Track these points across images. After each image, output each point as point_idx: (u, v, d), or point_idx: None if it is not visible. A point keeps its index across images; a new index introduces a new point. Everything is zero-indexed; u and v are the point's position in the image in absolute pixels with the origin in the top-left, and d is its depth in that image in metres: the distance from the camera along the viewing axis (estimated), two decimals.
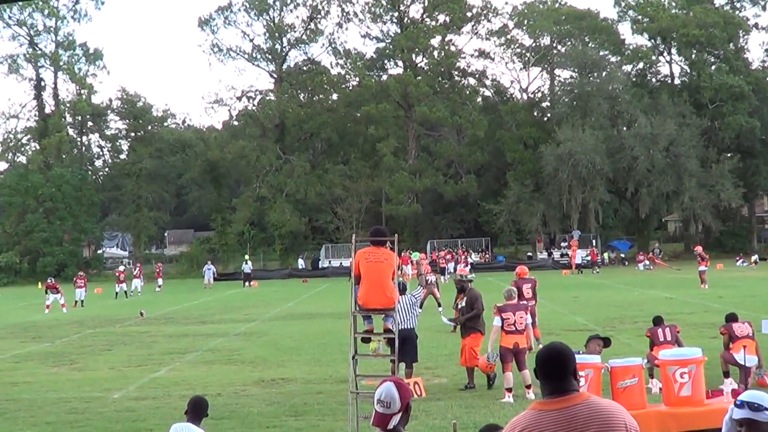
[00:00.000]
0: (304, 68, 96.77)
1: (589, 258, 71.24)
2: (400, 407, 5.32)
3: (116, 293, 56.05)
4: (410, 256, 66.88)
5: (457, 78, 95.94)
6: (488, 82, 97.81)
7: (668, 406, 13.51)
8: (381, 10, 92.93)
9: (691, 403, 13.34)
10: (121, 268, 61.92)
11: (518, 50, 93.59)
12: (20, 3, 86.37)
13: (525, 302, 17.73)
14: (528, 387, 16.12)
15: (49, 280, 48.73)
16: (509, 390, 16.13)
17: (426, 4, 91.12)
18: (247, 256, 72.38)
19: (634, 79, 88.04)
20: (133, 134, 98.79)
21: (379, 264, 12.89)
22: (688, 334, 22.86)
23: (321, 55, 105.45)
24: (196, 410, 9.71)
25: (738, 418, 5.48)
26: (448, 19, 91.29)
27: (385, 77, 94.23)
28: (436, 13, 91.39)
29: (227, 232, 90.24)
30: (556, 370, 4.85)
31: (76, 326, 35.35)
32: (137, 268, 63.92)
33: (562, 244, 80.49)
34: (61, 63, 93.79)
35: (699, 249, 50.05)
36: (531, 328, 17.24)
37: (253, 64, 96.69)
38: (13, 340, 30.95)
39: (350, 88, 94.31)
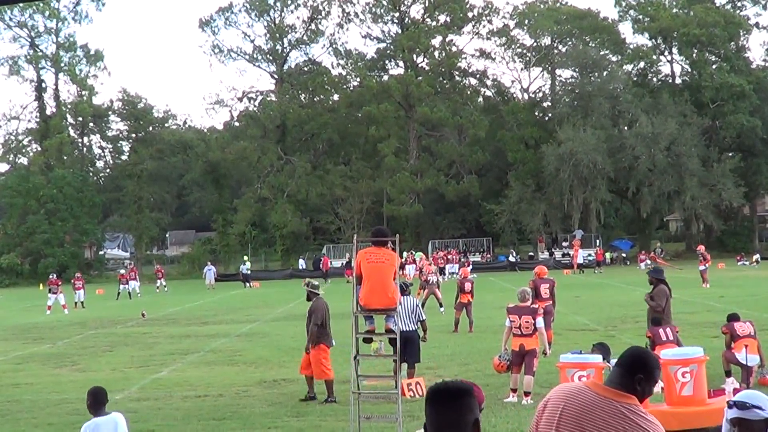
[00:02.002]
0: (305, 69, 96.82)
1: (592, 258, 71.20)
2: None
3: (118, 293, 56.03)
4: (413, 255, 67.09)
5: (458, 78, 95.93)
6: (489, 82, 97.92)
7: (670, 406, 13.52)
8: (382, 11, 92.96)
9: (692, 402, 13.36)
10: (122, 271, 61.91)
11: (519, 50, 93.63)
12: (21, 4, 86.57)
13: (535, 306, 17.45)
14: (526, 394, 15.90)
15: (51, 277, 48.81)
16: (514, 390, 16.09)
17: (427, 4, 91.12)
18: (246, 257, 72.40)
19: (635, 79, 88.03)
20: (134, 135, 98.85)
21: (380, 264, 12.88)
22: (689, 333, 22.91)
23: (322, 56, 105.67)
24: (97, 399, 9.75)
25: (730, 418, 5.55)
26: (448, 19, 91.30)
27: (386, 77, 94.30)
28: (437, 14, 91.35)
29: (228, 232, 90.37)
30: (626, 364, 4.99)
31: (77, 327, 35.38)
32: (129, 269, 63.67)
33: (564, 244, 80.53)
34: (62, 64, 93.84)
35: (702, 248, 50.04)
36: (544, 332, 16.94)
37: (254, 64, 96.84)
38: (15, 341, 30.98)
39: (351, 88, 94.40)
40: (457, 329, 27.44)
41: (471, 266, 69.62)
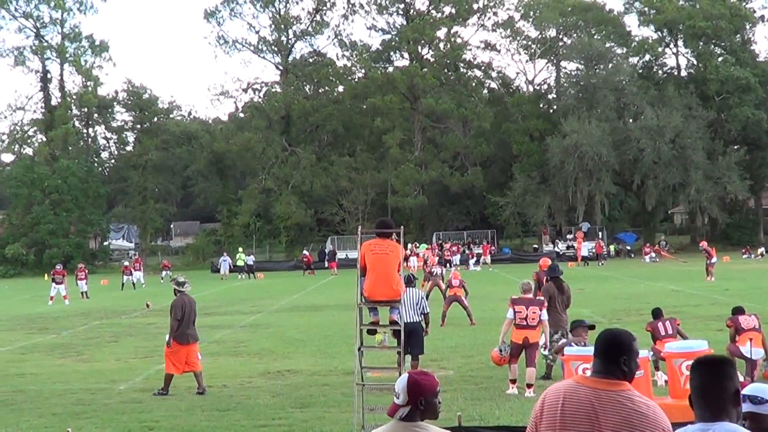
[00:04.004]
0: (310, 60, 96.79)
1: (594, 250, 71.02)
2: (407, 401, 5.39)
3: (122, 284, 56.02)
4: (416, 248, 67.14)
5: (463, 70, 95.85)
6: (494, 74, 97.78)
7: (674, 399, 13.51)
8: (387, 2, 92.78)
9: None
10: (126, 262, 62.04)
11: (524, 42, 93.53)
12: None
13: (541, 298, 17.46)
14: (529, 386, 15.81)
15: (57, 267, 48.84)
16: (513, 381, 16.07)
17: None
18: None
19: (640, 71, 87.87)
20: (139, 126, 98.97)
21: (385, 256, 12.86)
22: (694, 326, 22.89)
23: (327, 47, 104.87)
24: None
25: (743, 412, 5.51)
26: (454, 10, 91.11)
27: (391, 69, 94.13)
28: (442, 5, 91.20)
29: (233, 223, 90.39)
30: (606, 351, 5.02)
31: (82, 318, 35.41)
32: (133, 260, 63.76)
33: (568, 237, 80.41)
34: (68, 55, 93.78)
35: (704, 244, 50.13)
36: (547, 325, 16.94)
37: (259, 56, 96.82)
38: (20, 331, 31.01)
39: (356, 80, 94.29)
40: (444, 323, 27.18)
41: (475, 258, 70.05)
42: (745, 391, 5.59)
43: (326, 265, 70.08)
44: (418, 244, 70.08)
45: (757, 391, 5.46)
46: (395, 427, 5.49)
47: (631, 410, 4.80)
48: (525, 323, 16.28)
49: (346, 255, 71.69)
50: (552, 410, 5.01)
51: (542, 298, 17.48)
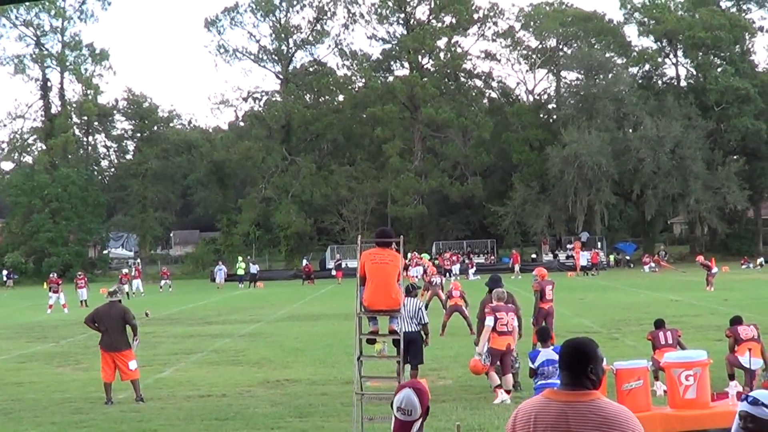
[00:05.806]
0: (310, 69, 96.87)
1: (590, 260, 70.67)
2: (421, 413, 5.33)
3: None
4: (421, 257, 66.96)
5: (463, 79, 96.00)
6: (494, 84, 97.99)
7: (673, 409, 13.49)
8: (387, 12, 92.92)
9: (696, 405, 13.32)
10: (125, 270, 61.97)
11: (524, 52, 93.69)
12: (27, 3, 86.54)
13: (511, 305, 17.51)
14: (508, 392, 16.01)
15: (52, 276, 48.77)
16: (500, 387, 16.09)
17: (432, 5, 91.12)
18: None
19: (640, 81, 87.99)
20: (139, 135, 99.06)
21: (384, 265, 12.84)
22: (693, 336, 22.87)
23: (327, 56, 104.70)
24: None
25: (739, 410, 5.59)
26: (454, 20, 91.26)
27: (391, 78, 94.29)
28: (443, 15, 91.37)
29: (233, 232, 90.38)
30: (574, 363, 4.95)
31: (81, 326, 35.07)
32: (134, 269, 63.80)
33: (568, 246, 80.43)
34: (68, 63, 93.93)
35: (701, 258, 50.17)
36: (517, 330, 17.06)
37: (260, 65, 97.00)
38: (18, 340, 30.97)
39: (356, 89, 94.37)
40: (444, 333, 27.13)
41: (474, 267, 69.87)
42: (750, 393, 5.69)
43: (333, 273, 70.18)
44: (419, 254, 70.05)
45: (757, 395, 5.53)
46: None
47: (604, 418, 4.79)
48: (505, 329, 16.42)
49: (346, 264, 71.66)
50: (525, 429, 4.98)
51: (512, 305, 17.57)
